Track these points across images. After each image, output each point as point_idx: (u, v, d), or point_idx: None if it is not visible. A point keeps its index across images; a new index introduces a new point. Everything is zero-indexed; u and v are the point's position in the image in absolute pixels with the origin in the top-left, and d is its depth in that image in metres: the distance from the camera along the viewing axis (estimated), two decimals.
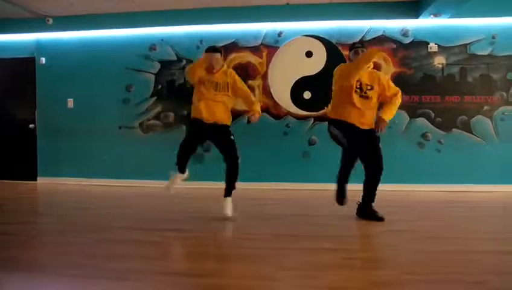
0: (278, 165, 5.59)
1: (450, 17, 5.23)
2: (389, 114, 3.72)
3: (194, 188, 5.16)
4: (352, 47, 3.80)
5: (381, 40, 5.47)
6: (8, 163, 6.28)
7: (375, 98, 3.73)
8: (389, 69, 5.46)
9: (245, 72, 5.62)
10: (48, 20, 5.94)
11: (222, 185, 3.93)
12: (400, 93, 3.80)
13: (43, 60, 6.13)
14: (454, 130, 5.44)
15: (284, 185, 5.52)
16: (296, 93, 5.55)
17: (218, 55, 3.85)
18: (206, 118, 3.79)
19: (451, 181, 5.37)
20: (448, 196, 5.05)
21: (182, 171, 3.96)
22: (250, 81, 5.61)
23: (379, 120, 3.69)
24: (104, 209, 4.40)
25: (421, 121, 5.49)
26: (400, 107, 4.02)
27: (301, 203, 4.70)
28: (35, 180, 6.19)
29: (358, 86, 3.66)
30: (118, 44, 5.94)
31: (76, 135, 6.08)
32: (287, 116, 5.60)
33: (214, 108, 3.80)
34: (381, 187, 3.80)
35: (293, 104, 5.56)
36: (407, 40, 5.47)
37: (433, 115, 5.46)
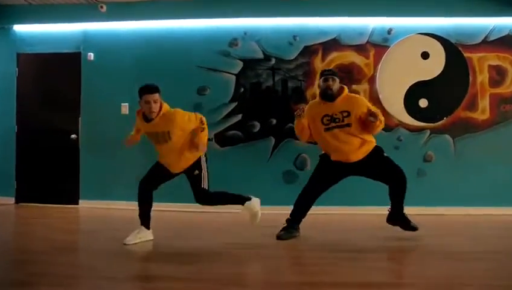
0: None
1: None
2: None
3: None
4: (322, 74, 3.41)
5: (508, 41, 4.71)
6: (42, 182, 5.02)
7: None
8: None
9: (349, 74, 4.72)
10: (102, 7, 4.83)
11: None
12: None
13: (91, 55, 4.98)
14: None
15: None
16: (410, 101, 4.69)
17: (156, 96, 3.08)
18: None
19: None
20: None
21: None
22: (354, 86, 4.70)
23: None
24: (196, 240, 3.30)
25: None
26: None
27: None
28: (77, 203, 4.96)
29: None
30: (188, 38, 4.88)
31: (132, 149, 4.89)
32: (399, 127, 4.71)
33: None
34: None
35: (406, 114, 4.68)
36: None
37: None
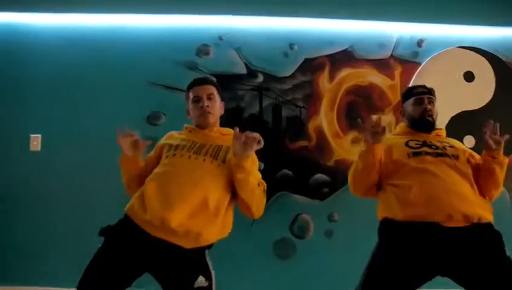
0: None
1: None
2: None
3: None
4: (411, 93, 2.29)
5: None
6: None
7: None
8: None
9: (367, 100, 3.37)
10: None
11: None
12: None
13: None
14: None
15: None
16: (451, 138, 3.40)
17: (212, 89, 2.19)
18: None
19: None
20: None
21: None
22: (375, 116, 3.33)
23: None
24: None
25: None
26: None
27: None
28: None
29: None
30: (137, 41, 3.36)
31: (46, 205, 3.22)
32: None
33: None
34: None
35: None
36: None
37: None
